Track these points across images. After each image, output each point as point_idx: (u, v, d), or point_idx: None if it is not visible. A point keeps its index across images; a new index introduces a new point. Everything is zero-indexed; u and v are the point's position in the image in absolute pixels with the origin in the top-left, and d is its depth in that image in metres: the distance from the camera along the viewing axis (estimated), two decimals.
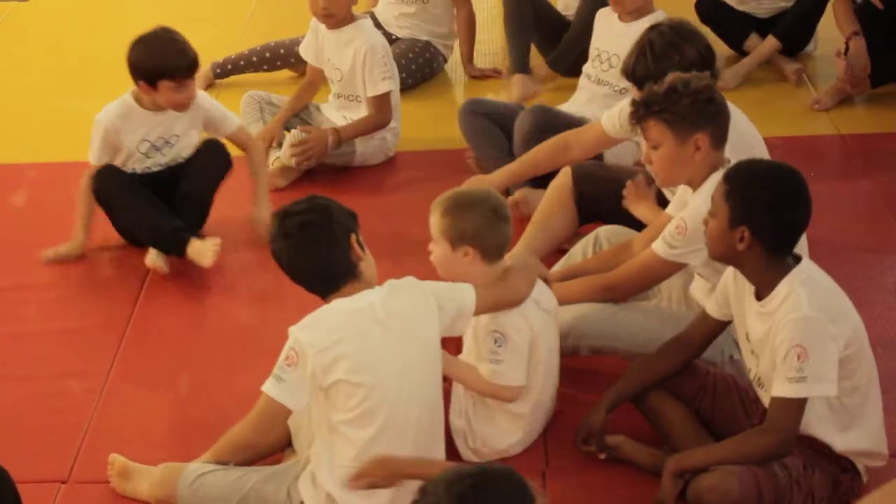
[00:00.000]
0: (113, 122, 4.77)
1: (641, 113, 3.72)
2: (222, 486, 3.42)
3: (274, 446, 3.65)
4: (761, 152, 4.18)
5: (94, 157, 4.83)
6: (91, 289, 4.69)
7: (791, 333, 3.24)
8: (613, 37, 5.16)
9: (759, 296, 3.36)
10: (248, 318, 4.51)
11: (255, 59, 6.24)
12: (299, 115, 5.52)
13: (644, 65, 4.10)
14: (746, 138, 4.15)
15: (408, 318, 3.35)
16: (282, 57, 6.21)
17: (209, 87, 6.13)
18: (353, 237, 3.39)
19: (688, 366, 3.62)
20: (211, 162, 4.90)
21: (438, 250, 3.69)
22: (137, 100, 4.80)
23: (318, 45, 5.47)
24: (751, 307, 3.39)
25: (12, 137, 5.95)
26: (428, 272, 3.74)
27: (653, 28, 4.20)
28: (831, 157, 5.48)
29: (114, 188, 4.76)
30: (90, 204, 4.82)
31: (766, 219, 3.29)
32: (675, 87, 3.69)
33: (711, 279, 3.85)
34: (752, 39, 6.15)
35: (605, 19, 5.29)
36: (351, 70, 5.35)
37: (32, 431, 3.98)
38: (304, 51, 5.55)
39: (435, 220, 3.68)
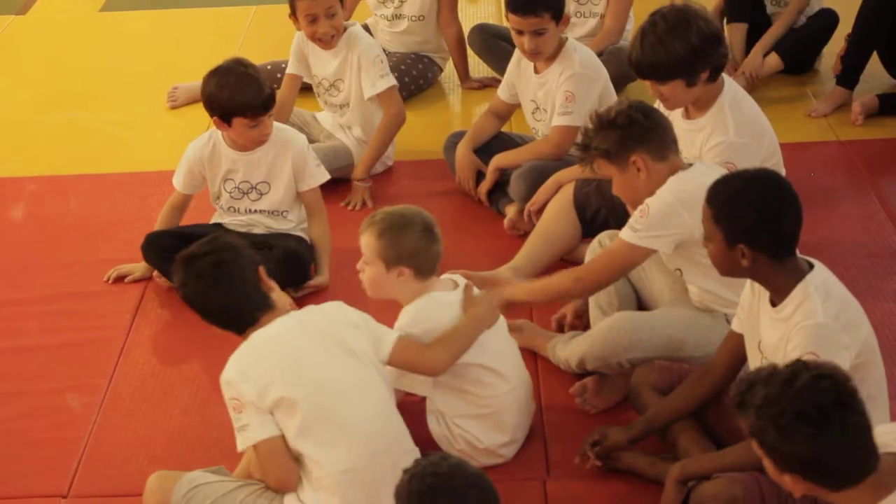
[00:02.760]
0: (198, 154, 4.65)
1: (585, 158, 3.89)
2: (214, 499, 3.39)
3: None
4: (771, 137, 4.31)
5: (176, 181, 4.71)
6: (90, 303, 4.67)
7: (804, 340, 3.22)
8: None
9: (774, 302, 3.35)
10: None
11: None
12: (295, 123, 5.44)
13: (652, 50, 4.08)
14: (755, 125, 4.26)
15: (331, 332, 3.40)
16: (283, 72, 6.16)
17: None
18: (262, 268, 3.47)
19: (720, 393, 3.58)
20: (282, 272, 4.18)
21: (371, 271, 3.66)
22: (222, 135, 4.62)
23: (307, 63, 5.42)
24: (765, 314, 3.37)
25: (11, 151, 5.94)
26: None
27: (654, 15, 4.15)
28: (830, 163, 5.47)
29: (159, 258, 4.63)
30: (164, 225, 4.73)
31: (759, 233, 3.27)
32: (598, 123, 3.84)
33: (689, 273, 3.91)
34: None
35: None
36: (348, 79, 5.32)
37: (32, 446, 3.97)
38: (297, 71, 5.45)
39: (369, 241, 3.64)
